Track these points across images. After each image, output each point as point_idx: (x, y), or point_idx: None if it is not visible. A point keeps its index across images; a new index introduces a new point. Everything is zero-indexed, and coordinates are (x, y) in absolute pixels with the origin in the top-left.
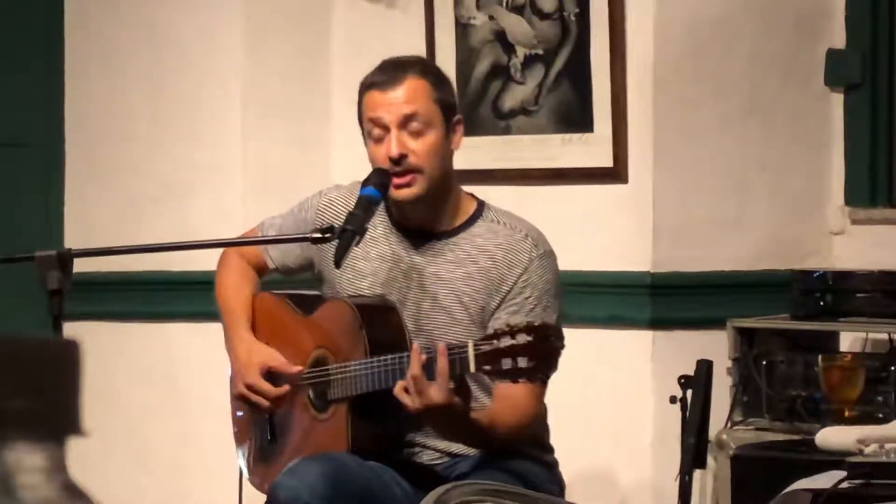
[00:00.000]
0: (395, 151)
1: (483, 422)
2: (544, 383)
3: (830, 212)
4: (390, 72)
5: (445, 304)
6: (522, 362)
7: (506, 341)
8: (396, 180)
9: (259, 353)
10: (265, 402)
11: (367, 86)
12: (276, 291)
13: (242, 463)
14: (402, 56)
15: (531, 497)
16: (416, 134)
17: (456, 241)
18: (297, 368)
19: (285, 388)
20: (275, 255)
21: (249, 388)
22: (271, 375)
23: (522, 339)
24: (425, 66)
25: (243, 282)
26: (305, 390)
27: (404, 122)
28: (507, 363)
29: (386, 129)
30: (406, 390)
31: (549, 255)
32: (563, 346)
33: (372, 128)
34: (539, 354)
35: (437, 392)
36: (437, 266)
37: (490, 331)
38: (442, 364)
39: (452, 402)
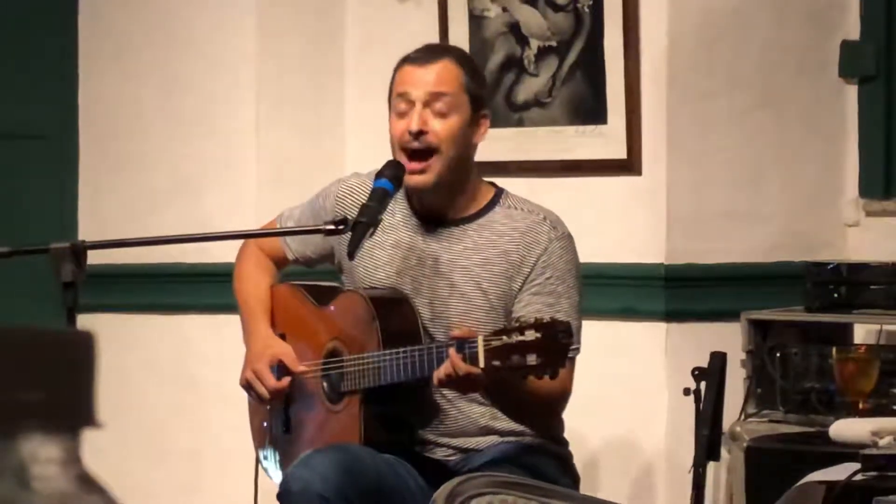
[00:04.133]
0: (414, 126)
1: (520, 387)
2: (572, 361)
3: (844, 204)
4: (428, 52)
5: (464, 290)
6: (531, 359)
7: (515, 337)
8: (411, 165)
9: (272, 346)
10: (265, 392)
11: (402, 60)
12: (293, 283)
13: (260, 454)
14: (446, 44)
15: (545, 489)
16: (440, 114)
17: (474, 228)
18: (301, 368)
19: (285, 382)
20: (295, 247)
21: (255, 373)
22: (282, 370)
23: (531, 335)
24: (463, 56)
25: (262, 274)
26: (320, 382)
27: (430, 100)
28: (515, 359)
29: (411, 104)
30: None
31: (568, 238)
32: (571, 343)
33: (398, 102)
34: (548, 352)
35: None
36: (456, 252)
37: (513, 315)
38: (456, 363)
39: (478, 389)
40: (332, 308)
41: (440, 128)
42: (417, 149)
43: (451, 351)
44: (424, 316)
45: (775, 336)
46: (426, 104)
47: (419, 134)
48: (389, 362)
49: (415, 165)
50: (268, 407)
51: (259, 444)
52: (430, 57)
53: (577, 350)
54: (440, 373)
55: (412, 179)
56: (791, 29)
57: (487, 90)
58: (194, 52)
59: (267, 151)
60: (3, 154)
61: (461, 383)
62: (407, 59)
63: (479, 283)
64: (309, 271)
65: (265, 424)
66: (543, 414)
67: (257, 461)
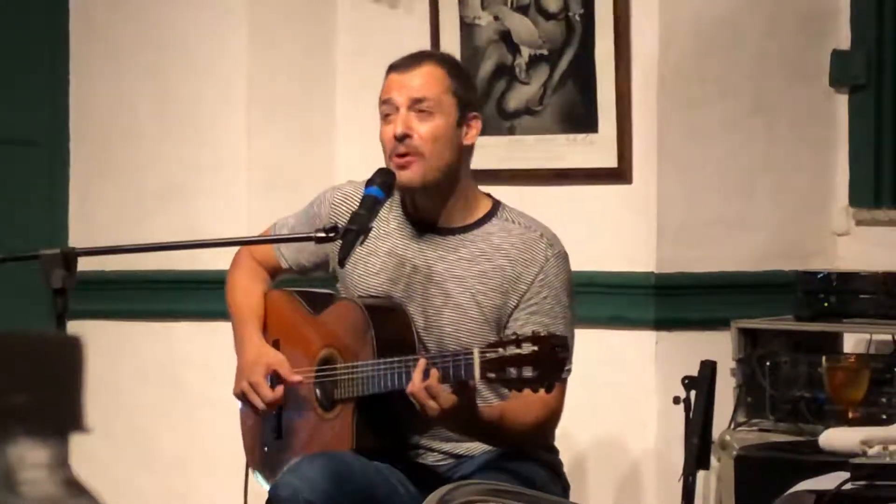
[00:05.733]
0: (399, 129)
1: (498, 419)
2: (564, 380)
3: (835, 213)
4: (412, 58)
5: (459, 301)
6: (527, 372)
7: (511, 350)
8: (397, 160)
9: (266, 356)
10: (261, 403)
11: (387, 70)
12: (287, 289)
13: (249, 460)
14: (434, 50)
15: (535, 497)
16: (424, 118)
17: (470, 238)
18: (297, 378)
19: (279, 392)
20: (288, 255)
21: (251, 385)
22: (276, 380)
23: (528, 348)
24: (448, 59)
25: (254, 283)
26: (313, 389)
27: (413, 103)
28: (511, 372)
29: (396, 109)
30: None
31: (564, 256)
32: (568, 357)
33: (384, 108)
34: (544, 365)
35: (438, 404)
36: (451, 263)
37: (508, 332)
38: (431, 382)
39: (453, 409)
40: (326, 315)
41: (424, 130)
42: (403, 153)
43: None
44: (418, 324)
45: (765, 345)
46: (410, 107)
47: (404, 137)
48: (383, 371)
49: (398, 161)
50: (261, 428)
51: (252, 464)
52: (413, 63)
53: (569, 371)
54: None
55: (400, 176)
56: (782, 38)
57: (476, 93)
58: (186, 59)
59: (258, 158)
60: None
61: (426, 402)
62: (392, 67)
63: (474, 294)
64: (305, 279)
65: (257, 431)
66: (529, 439)
67: (247, 468)
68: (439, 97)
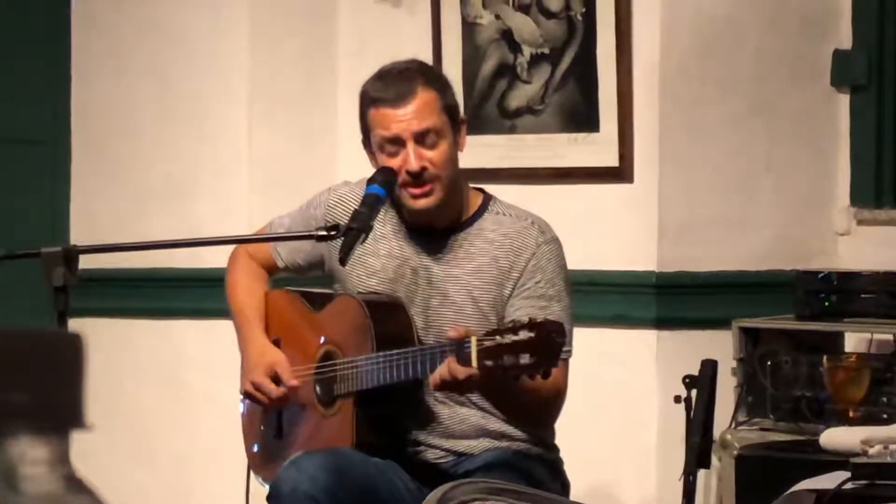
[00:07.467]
0: (415, 166)
1: (517, 392)
2: (566, 364)
3: (836, 212)
4: (396, 86)
5: (455, 300)
6: (524, 358)
7: (508, 337)
8: (414, 190)
9: (269, 355)
10: (266, 401)
11: (373, 101)
12: (288, 288)
13: (250, 458)
14: (400, 63)
15: (535, 496)
16: (431, 145)
17: (464, 237)
18: (293, 382)
19: (283, 389)
20: (284, 255)
21: (255, 385)
22: (277, 379)
23: (524, 335)
24: (427, 74)
25: (254, 282)
26: (313, 386)
27: (418, 137)
28: (508, 359)
29: (401, 143)
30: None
31: (556, 242)
32: (564, 343)
33: (385, 143)
34: (540, 351)
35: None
36: (446, 262)
37: (506, 321)
38: (454, 368)
39: (473, 389)
40: (326, 312)
41: (436, 157)
42: (422, 184)
43: (451, 359)
44: (418, 325)
45: (766, 344)
46: (416, 140)
47: (421, 171)
48: (382, 365)
49: (417, 191)
50: (261, 427)
51: (252, 463)
52: (402, 92)
53: (570, 353)
54: (436, 377)
55: (418, 203)
56: (783, 37)
57: (453, 91)
58: (187, 57)
59: (259, 156)
60: None
61: (458, 386)
62: (379, 101)
63: (470, 291)
64: (302, 278)
65: (258, 429)
66: (539, 413)
67: (249, 468)
68: (439, 122)
